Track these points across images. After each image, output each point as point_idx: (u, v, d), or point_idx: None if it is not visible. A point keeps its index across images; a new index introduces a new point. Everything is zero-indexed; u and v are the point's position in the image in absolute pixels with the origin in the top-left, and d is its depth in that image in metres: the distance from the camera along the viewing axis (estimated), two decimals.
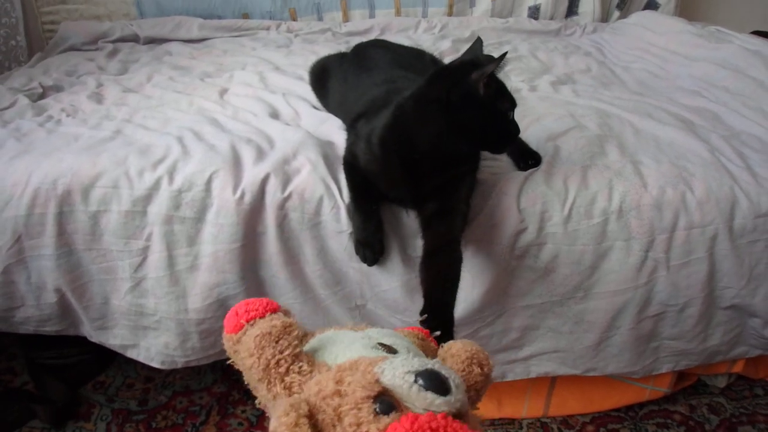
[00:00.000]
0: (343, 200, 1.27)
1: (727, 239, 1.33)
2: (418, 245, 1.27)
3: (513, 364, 1.42)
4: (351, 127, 1.38)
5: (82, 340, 1.44)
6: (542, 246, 1.30)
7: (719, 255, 1.34)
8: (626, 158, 1.40)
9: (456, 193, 1.22)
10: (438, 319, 1.07)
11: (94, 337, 1.40)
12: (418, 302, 1.26)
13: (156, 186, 1.27)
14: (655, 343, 1.42)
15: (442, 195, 1.21)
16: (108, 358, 1.66)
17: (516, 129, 1.22)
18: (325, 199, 1.26)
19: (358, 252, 1.26)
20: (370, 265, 1.26)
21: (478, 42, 1.27)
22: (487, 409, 1.54)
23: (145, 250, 1.29)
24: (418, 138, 1.15)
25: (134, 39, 2.40)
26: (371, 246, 1.24)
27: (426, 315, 1.07)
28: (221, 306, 1.29)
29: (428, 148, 1.15)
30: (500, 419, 1.55)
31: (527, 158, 1.38)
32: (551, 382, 1.53)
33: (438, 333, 0.99)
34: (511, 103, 1.20)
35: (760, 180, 1.37)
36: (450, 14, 2.68)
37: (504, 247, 1.28)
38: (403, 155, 1.17)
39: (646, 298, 1.35)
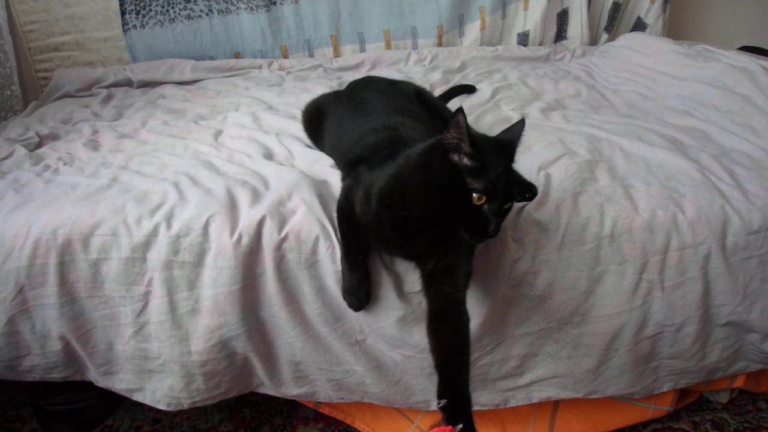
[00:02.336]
0: (338, 239, 1.29)
1: (720, 257, 1.35)
2: (411, 280, 1.29)
3: (514, 391, 1.43)
4: (348, 170, 1.38)
5: (89, 385, 1.45)
6: (537, 274, 1.32)
7: (713, 273, 1.36)
8: (616, 182, 1.42)
9: (457, 250, 1.19)
10: (458, 408, 1.08)
11: (101, 382, 1.41)
12: (416, 335, 1.30)
13: (154, 232, 1.29)
14: (654, 363, 1.43)
15: (443, 251, 1.19)
16: (115, 402, 1.67)
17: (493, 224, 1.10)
18: (320, 240, 1.28)
19: (345, 298, 1.28)
20: (355, 311, 1.29)
21: (520, 124, 1.22)
22: None
23: (146, 296, 1.30)
24: (411, 199, 1.15)
25: (128, 83, 2.43)
26: (356, 295, 1.27)
27: (445, 400, 1.08)
28: (223, 347, 1.31)
29: (417, 210, 1.14)
30: None
31: (523, 191, 1.38)
32: (554, 405, 1.54)
33: (460, 427, 1.04)
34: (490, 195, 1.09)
35: (750, 197, 1.39)
36: (440, 45, 2.72)
37: (500, 278, 1.30)
38: (396, 212, 1.17)
39: (643, 319, 1.37)
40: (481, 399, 1.43)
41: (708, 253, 1.34)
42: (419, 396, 1.42)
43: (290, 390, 1.41)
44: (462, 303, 1.18)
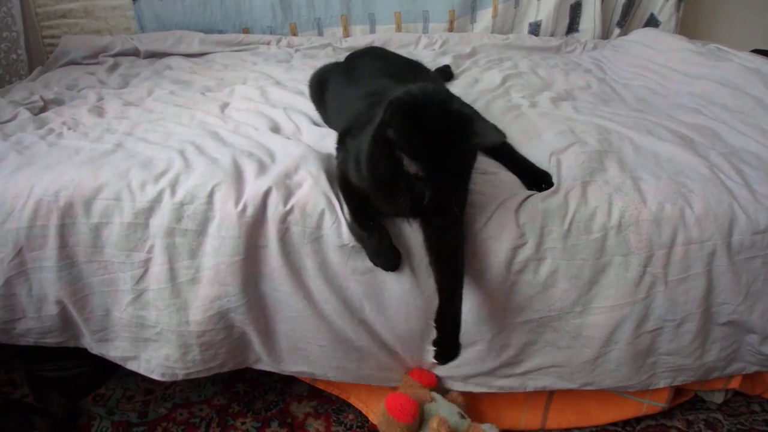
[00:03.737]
0: (344, 214, 1.28)
1: (725, 255, 1.34)
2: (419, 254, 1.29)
3: (510, 378, 1.43)
4: (340, 143, 1.39)
5: (83, 353, 1.44)
6: (541, 261, 1.31)
7: (717, 271, 1.35)
8: (626, 174, 1.41)
9: (450, 205, 1.20)
10: (448, 332, 1.28)
11: (95, 349, 1.41)
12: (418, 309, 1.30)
13: (158, 198, 1.28)
14: (653, 359, 1.42)
15: (438, 208, 1.19)
16: (108, 371, 1.66)
17: (426, 196, 1.11)
18: (326, 213, 1.27)
19: (375, 263, 1.27)
20: (390, 270, 1.28)
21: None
22: (485, 419, 1.52)
23: (146, 263, 1.29)
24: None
25: (135, 53, 2.41)
26: (383, 255, 1.25)
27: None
28: (222, 318, 1.30)
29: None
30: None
31: (539, 181, 1.39)
32: (549, 395, 1.54)
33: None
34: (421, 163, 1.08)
35: (758, 197, 1.38)
36: (451, 30, 2.70)
37: (502, 261, 1.30)
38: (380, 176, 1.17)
39: (644, 313, 1.36)
40: (476, 386, 1.44)
41: (713, 250, 1.33)
42: None
43: (287, 366, 1.41)
44: (458, 251, 1.26)
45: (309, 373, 1.42)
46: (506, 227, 1.29)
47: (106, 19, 2.59)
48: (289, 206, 1.27)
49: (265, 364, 1.41)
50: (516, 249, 1.30)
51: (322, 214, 1.27)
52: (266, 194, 1.27)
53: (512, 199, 1.33)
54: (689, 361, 1.43)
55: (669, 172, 1.43)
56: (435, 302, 1.29)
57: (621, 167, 1.44)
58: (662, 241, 1.32)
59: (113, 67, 2.25)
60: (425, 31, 2.69)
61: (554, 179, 1.38)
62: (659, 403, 1.54)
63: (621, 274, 1.33)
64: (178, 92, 1.92)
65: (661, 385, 1.47)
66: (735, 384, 1.58)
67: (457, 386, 1.44)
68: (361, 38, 2.59)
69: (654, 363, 1.43)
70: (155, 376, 1.38)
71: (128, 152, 1.43)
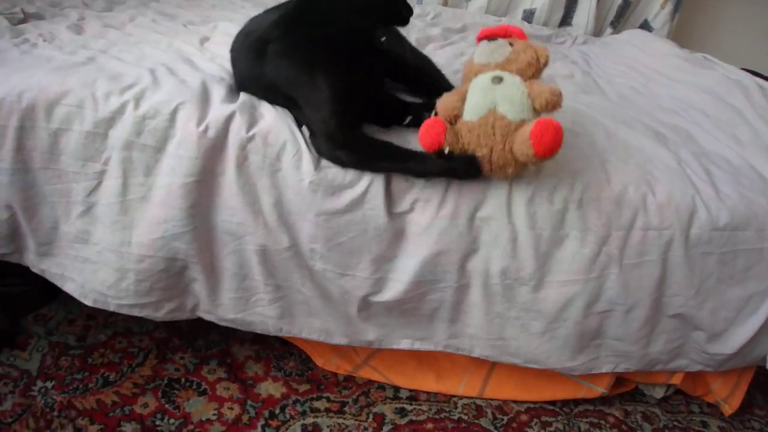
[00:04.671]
0: (307, 148, 1.26)
1: (681, 246, 1.35)
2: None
3: (459, 339, 1.43)
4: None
5: (28, 271, 1.41)
6: (504, 225, 1.31)
7: (672, 261, 1.37)
8: (594, 153, 1.42)
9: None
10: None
11: (36, 264, 1.37)
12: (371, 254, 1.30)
13: (121, 110, 1.25)
14: (599, 341, 1.44)
15: None
16: (52, 293, 1.62)
17: None
18: (288, 145, 1.25)
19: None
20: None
21: None
22: (425, 379, 1.55)
23: (101, 175, 1.26)
24: None
25: None
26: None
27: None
28: (165, 245, 1.27)
29: None
30: (437, 396, 1.55)
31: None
32: (491, 365, 1.55)
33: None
34: None
35: (721, 196, 1.40)
36: (446, 4, 2.69)
37: (462, 210, 1.29)
38: None
39: (596, 293, 1.37)
40: (431, 336, 1.43)
41: (671, 239, 1.35)
42: (363, 335, 1.41)
43: (227, 313, 1.38)
44: None
45: (249, 323, 1.39)
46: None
47: None
48: (251, 133, 1.25)
49: (203, 309, 1.38)
50: (479, 203, 1.30)
51: (283, 145, 1.25)
52: (230, 118, 1.25)
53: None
54: (634, 349, 1.45)
55: (637, 160, 1.45)
56: (389, 253, 1.30)
57: (591, 148, 1.45)
58: (621, 222, 1.33)
59: None
60: (419, 2, 2.68)
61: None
62: (599, 387, 1.56)
63: (576, 250, 1.33)
64: (161, 22, 1.88)
65: (604, 370, 1.48)
66: (677, 380, 1.61)
67: (404, 344, 1.43)
68: None
69: (599, 345, 1.45)
70: (87, 302, 1.35)
71: (99, 66, 1.39)
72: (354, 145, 1.25)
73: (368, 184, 1.25)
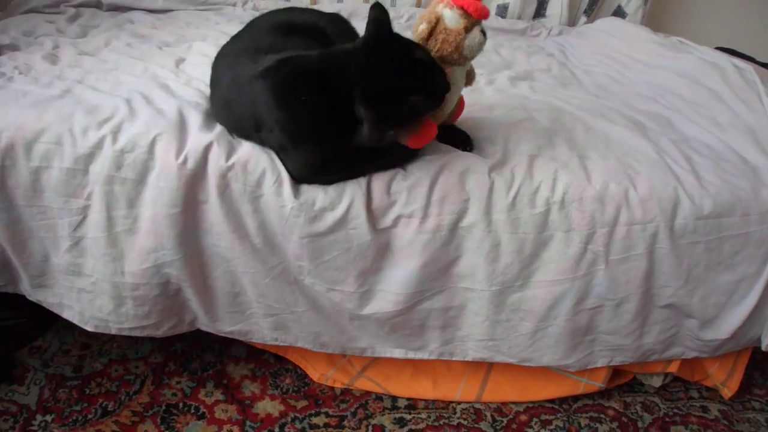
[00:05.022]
0: (287, 174, 1.27)
1: (667, 238, 1.36)
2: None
3: (452, 344, 1.44)
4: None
5: (21, 303, 1.42)
6: (487, 233, 1.31)
7: (659, 253, 1.37)
8: (573, 152, 1.43)
9: None
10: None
11: (32, 295, 1.39)
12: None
13: (99, 145, 1.25)
14: (591, 336, 1.45)
15: None
16: (45, 324, 1.64)
17: None
18: (267, 173, 1.25)
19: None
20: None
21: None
22: (422, 387, 1.55)
23: (84, 209, 1.27)
24: None
25: (97, 5, 2.35)
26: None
27: None
28: (157, 272, 1.28)
29: None
30: (435, 403, 1.56)
31: (463, 143, 1.42)
32: (488, 367, 1.56)
33: None
34: None
35: (704, 183, 1.40)
36: (418, 5, 2.67)
37: (443, 224, 1.30)
38: None
39: (584, 290, 1.38)
40: (424, 345, 1.45)
41: (656, 231, 1.35)
42: (356, 342, 1.43)
43: (224, 326, 1.40)
44: None
45: (246, 332, 1.42)
46: (451, 188, 1.30)
47: None
48: (230, 162, 1.25)
49: (201, 323, 1.40)
50: (460, 213, 1.30)
51: (263, 172, 1.26)
52: (208, 148, 1.26)
53: (458, 162, 1.34)
54: (628, 342, 1.46)
55: (617, 154, 1.45)
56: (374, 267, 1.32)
57: (570, 146, 1.45)
58: (605, 219, 1.34)
59: (74, 17, 2.20)
60: (393, 4, 2.66)
61: (501, 153, 1.39)
62: (596, 383, 1.57)
63: (562, 250, 1.34)
64: (136, 45, 1.88)
65: (599, 365, 1.49)
66: (673, 368, 1.62)
67: (398, 353, 1.45)
68: (327, 6, 2.55)
69: (592, 341, 1.45)
70: (89, 328, 1.36)
71: (75, 98, 1.39)
72: (326, 177, 1.28)
73: (349, 204, 1.26)
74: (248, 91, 1.26)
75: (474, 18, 1.27)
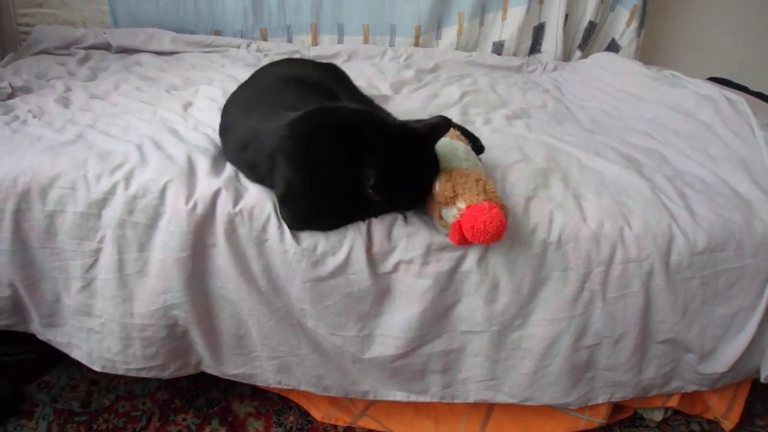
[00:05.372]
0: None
1: (662, 274, 1.38)
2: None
3: (453, 387, 1.46)
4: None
5: (30, 339, 1.45)
6: (484, 276, 1.34)
7: (655, 289, 1.39)
8: (568, 191, 1.46)
9: None
10: None
11: (42, 334, 1.42)
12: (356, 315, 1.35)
13: (112, 191, 1.30)
14: (591, 374, 1.46)
15: None
16: (54, 359, 1.67)
17: None
18: (272, 218, 1.30)
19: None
20: None
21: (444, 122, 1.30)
22: (424, 427, 1.57)
23: (97, 252, 1.31)
24: None
25: (106, 47, 2.41)
26: None
27: None
28: (165, 314, 1.32)
29: None
30: None
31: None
32: (489, 406, 1.57)
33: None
34: None
35: (698, 219, 1.43)
36: (416, 45, 2.73)
37: (443, 271, 1.33)
38: None
39: (582, 328, 1.40)
40: (425, 389, 1.46)
41: (651, 269, 1.38)
42: (359, 385, 1.45)
43: (229, 369, 1.43)
44: None
45: (250, 375, 1.44)
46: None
47: (81, 11, 2.57)
48: (237, 208, 1.30)
49: (207, 366, 1.43)
50: (459, 259, 1.33)
51: (267, 218, 1.30)
52: (216, 194, 1.30)
53: None
54: (627, 377, 1.47)
55: (611, 191, 1.48)
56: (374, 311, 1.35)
57: (565, 185, 1.49)
58: (600, 258, 1.36)
59: (84, 60, 2.26)
60: (391, 44, 2.72)
61: (499, 194, 1.38)
62: (597, 419, 1.57)
63: (559, 289, 1.37)
64: (144, 88, 1.93)
65: (600, 401, 1.50)
66: (674, 402, 1.63)
67: (400, 396, 1.47)
68: (328, 47, 2.62)
69: (592, 378, 1.47)
70: (96, 368, 1.39)
71: (88, 143, 1.44)
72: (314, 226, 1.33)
73: (349, 250, 1.30)
74: (271, 138, 1.31)
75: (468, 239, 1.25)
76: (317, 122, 1.29)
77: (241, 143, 1.38)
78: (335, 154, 1.24)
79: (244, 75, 2.00)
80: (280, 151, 1.28)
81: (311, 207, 1.30)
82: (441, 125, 1.28)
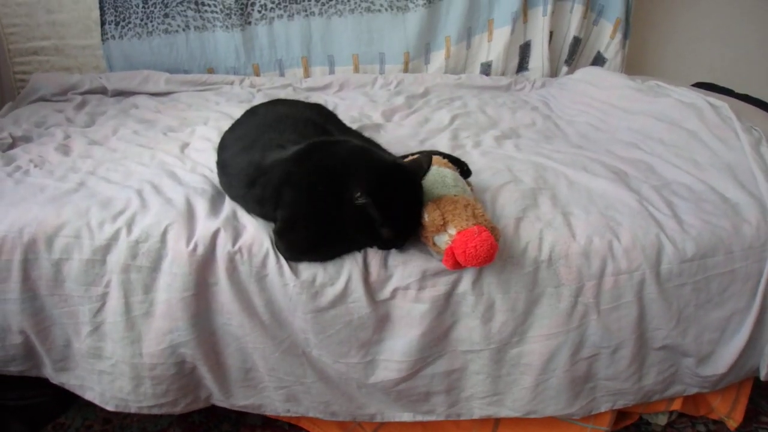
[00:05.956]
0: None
1: (654, 284, 1.41)
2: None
3: (457, 406, 1.49)
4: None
5: (43, 383, 1.49)
6: (480, 297, 1.38)
7: (648, 299, 1.42)
8: (557, 209, 1.49)
9: None
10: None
11: (55, 378, 1.46)
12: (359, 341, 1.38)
13: (115, 237, 1.34)
14: (591, 384, 1.49)
15: None
16: (68, 401, 1.70)
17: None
18: (270, 253, 1.34)
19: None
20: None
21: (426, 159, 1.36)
22: None
23: (103, 297, 1.36)
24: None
25: (102, 91, 2.47)
26: None
27: None
28: (173, 353, 1.36)
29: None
30: None
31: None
32: (495, 420, 1.59)
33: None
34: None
35: (685, 227, 1.46)
36: (406, 71, 2.78)
37: (439, 295, 1.37)
38: None
39: (579, 340, 1.43)
40: (431, 409, 1.49)
41: (642, 279, 1.41)
42: (365, 409, 1.48)
43: (238, 401, 1.46)
44: None
45: (259, 406, 1.48)
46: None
47: (76, 57, 2.65)
48: (236, 247, 1.34)
49: (216, 399, 1.46)
50: (454, 283, 1.37)
51: (266, 254, 1.34)
52: (216, 234, 1.35)
53: None
54: (628, 385, 1.50)
55: (599, 207, 1.51)
56: (375, 338, 1.39)
57: (553, 203, 1.52)
58: (592, 272, 1.40)
59: (81, 105, 2.31)
60: (381, 72, 2.77)
61: (489, 215, 1.42)
62: (602, 427, 1.59)
63: (554, 305, 1.40)
64: (142, 132, 1.98)
65: (603, 410, 1.53)
66: (677, 406, 1.65)
67: (406, 416, 1.50)
68: (320, 79, 2.67)
69: (593, 388, 1.50)
70: (109, 407, 1.42)
71: (90, 191, 1.49)
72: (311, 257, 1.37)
73: (347, 279, 1.35)
74: (277, 171, 1.36)
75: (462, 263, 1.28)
76: (319, 154, 1.34)
77: (248, 180, 1.41)
78: (336, 185, 1.29)
79: (238, 112, 2.03)
80: (286, 183, 1.33)
81: (310, 238, 1.35)
82: (425, 164, 1.34)
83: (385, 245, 1.34)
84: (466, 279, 1.37)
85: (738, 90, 2.53)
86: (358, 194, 1.24)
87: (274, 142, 1.46)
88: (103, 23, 2.60)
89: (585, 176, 1.67)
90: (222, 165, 1.55)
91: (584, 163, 1.77)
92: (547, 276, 1.39)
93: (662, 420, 1.73)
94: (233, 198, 1.49)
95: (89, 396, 1.45)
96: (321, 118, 1.67)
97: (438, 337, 1.40)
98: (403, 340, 1.39)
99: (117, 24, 2.61)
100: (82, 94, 2.42)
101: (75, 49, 2.64)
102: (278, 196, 1.35)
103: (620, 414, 1.65)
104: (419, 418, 1.50)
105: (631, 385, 1.51)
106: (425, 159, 1.35)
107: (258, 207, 1.42)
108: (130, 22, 2.61)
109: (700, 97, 2.11)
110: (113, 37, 2.62)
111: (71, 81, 2.46)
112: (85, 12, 2.60)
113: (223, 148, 1.59)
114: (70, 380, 1.45)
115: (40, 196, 1.46)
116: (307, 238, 1.35)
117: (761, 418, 1.79)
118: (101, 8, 2.59)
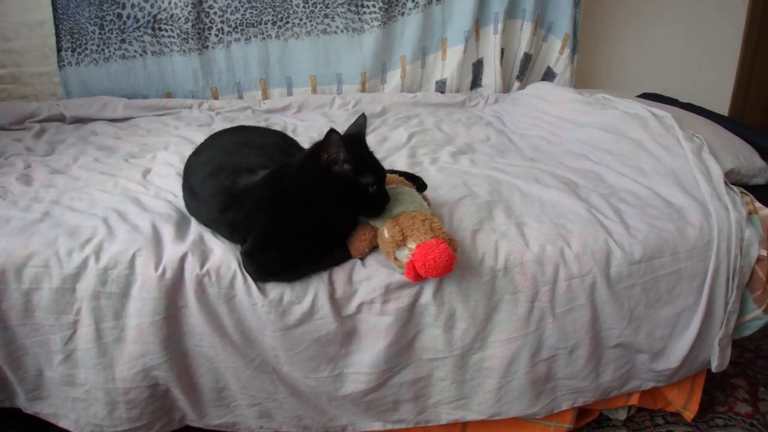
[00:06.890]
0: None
1: (605, 286, 1.49)
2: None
3: (426, 413, 1.54)
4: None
5: (16, 413, 1.49)
6: (441, 306, 1.44)
7: (600, 300, 1.50)
8: (511, 221, 1.56)
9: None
10: None
11: (29, 408, 1.47)
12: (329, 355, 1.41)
13: (84, 265, 1.36)
14: (552, 384, 1.56)
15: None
16: (42, 430, 1.69)
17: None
18: (238, 275, 1.38)
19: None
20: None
21: (362, 117, 1.45)
22: None
23: (74, 324, 1.37)
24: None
25: (60, 119, 2.46)
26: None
27: None
28: (146, 376, 1.38)
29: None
30: None
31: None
32: (463, 425, 1.64)
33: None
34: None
35: (632, 232, 1.54)
36: (363, 90, 2.83)
37: (403, 306, 1.42)
38: None
39: (537, 343, 1.50)
40: (401, 418, 1.54)
41: (594, 282, 1.48)
42: (337, 421, 1.52)
43: (212, 420, 1.49)
44: None
45: (233, 424, 1.51)
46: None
47: (33, 84, 2.64)
48: (204, 269, 1.37)
49: (191, 420, 1.49)
50: (417, 294, 1.42)
51: (234, 275, 1.38)
52: (183, 258, 1.38)
53: None
54: (586, 383, 1.57)
55: (551, 216, 1.58)
56: (343, 351, 1.44)
57: (507, 215, 1.59)
58: (545, 278, 1.47)
59: (39, 133, 2.29)
60: (339, 92, 2.82)
61: (447, 228, 1.47)
62: (564, 425, 1.66)
63: (512, 311, 1.47)
64: (103, 159, 1.99)
65: (564, 408, 1.60)
66: (634, 400, 1.73)
67: (377, 426, 1.54)
68: (278, 100, 2.71)
69: (554, 387, 1.57)
70: None
71: (56, 221, 1.50)
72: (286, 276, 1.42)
73: (314, 297, 1.39)
74: (250, 195, 1.39)
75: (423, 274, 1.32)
76: (289, 178, 1.37)
77: (219, 206, 1.43)
78: (307, 201, 1.34)
79: (199, 137, 2.05)
80: (258, 207, 1.37)
81: (280, 259, 1.39)
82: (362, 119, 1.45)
83: (371, 204, 1.38)
84: (428, 290, 1.43)
85: (683, 99, 2.63)
86: (334, 156, 1.30)
87: (242, 167, 1.49)
88: (59, 50, 2.61)
89: (537, 188, 1.74)
90: (190, 190, 1.55)
91: (536, 175, 1.84)
92: (504, 283, 1.46)
93: (622, 415, 1.81)
94: (203, 223, 1.51)
95: (64, 424, 1.46)
96: (284, 142, 1.72)
97: (403, 347, 1.45)
98: (370, 353, 1.43)
99: (74, 50, 2.61)
100: (40, 122, 2.41)
101: (32, 77, 2.63)
102: (250, 221, 1.38)
103: (581, 411, 1.72)
104: (389, 426, 1.54)
105: (590, 383, 1.58)
106: (361, 119, 1.44)
107: (229, 231, 1.45)
108: (86, 49, 2.61)
109: (644, 108, 2.18)
110: (70, 63, 2.62)
111: (29, 109, 2.45)
112: (42, 39, 2.60)
113: (189, 173, 1.60)
114: (44, 409, 1.46)
115: (6, 228, 1.47)
116: (277, 259, 1.39)
117: (717, 408, 1.88)
118: (57, 35, 2.60)
